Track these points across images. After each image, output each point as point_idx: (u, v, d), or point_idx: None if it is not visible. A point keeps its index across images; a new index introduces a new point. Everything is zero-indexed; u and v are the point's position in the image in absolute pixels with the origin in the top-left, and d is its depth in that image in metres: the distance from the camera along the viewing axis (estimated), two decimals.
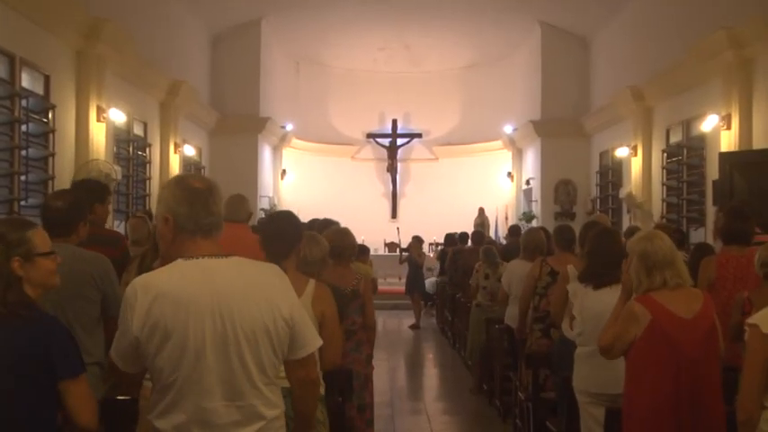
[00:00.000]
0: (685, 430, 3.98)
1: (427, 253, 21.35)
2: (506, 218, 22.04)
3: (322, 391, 4.21)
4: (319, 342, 2.97)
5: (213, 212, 2.83)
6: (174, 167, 15.02)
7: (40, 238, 3.22)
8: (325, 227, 6.59)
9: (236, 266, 2.83)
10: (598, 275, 5.04)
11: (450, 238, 15.51)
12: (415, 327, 15.92)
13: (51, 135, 10.20)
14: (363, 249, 9.67)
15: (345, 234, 5.99)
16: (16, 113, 9.30)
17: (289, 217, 4.51)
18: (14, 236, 3.13)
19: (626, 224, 14.69)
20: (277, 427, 2.83)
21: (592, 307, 4.94)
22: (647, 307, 4.05)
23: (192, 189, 2.84)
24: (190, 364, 2.68)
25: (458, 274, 12.75)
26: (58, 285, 3.41)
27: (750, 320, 3.46)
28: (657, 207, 14.12)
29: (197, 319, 2.68)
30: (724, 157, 10.67)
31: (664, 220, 13.10)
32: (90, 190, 5.61)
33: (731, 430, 3.83)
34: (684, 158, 13.25)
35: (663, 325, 4.00)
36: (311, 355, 2.95)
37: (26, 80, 9.69)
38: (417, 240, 16.98)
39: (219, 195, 2.89)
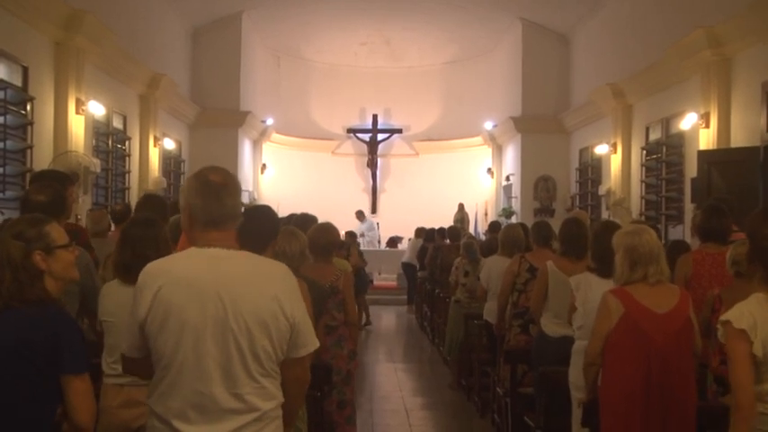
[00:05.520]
0: (654, 421, 4.06)
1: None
2: (486, 214, 22.10)
3: None
4: (317, 344, 3.02)
5: (226, 205, 2.90)
6: (154, 161, 14.96)
7: (57, 232, 3.27)
8: (303, 221, 6.56)
9: (244, 258, 2.91)
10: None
11: (422, 232, 15.43)
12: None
13: (29, 127, 10.12)
14: (343, 244, 9.63)
15: (328, 230, 5.97)
16: None
17: (266, 211, 4.48)
18: (33, 231, 3.18)
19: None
20: (272, 417, 2.86)
21: (596, 300, 4.91)
22: (620, 300, 4.14)
23: (207, 182, 2.93)
24: (189, 345, 2.74)
25: (437, 270, 12.77)
26: (77, 278, 3.49)
27: (722, 318, 3.40)
28: (636, 204, 14.20)
29: (199, 302, 2.75)
30: (702, 154, 10.76)
31: (642, 218, 13.19)
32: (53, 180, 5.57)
33: (702, 424, 3.90)
34: (663, 156, 13.33)
35: (635, 318, 4.09)
36: (309, 355, 3.00)
37: (4, 71, 9.61)
38: (351, 236, 15.86)
39: (236, 189, 2.98)
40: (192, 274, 2.79)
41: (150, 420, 2.83)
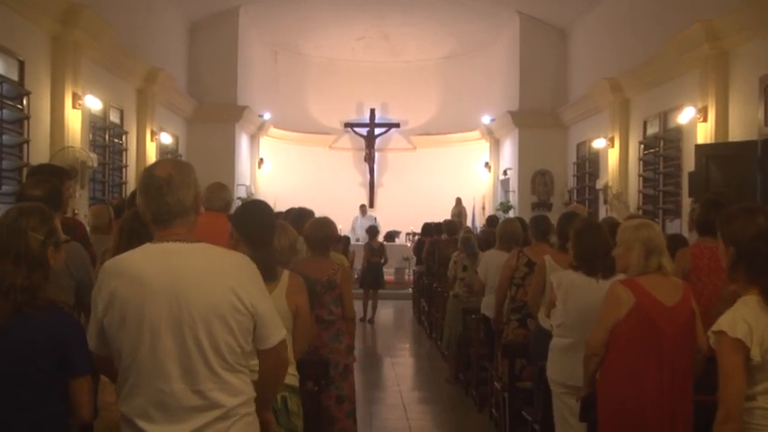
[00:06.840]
0: (665, 416, 4.02)
1: (404, 242, 21.47)
2: (483, 208, 22.10)
3: (296, 382, 4.20)
4: (284, 332, 2.97)
5: (167, 203, 2.79)
6: (151, 155, 14.92)
7: (59, 226, 3.22)
8: (300, 216, 6.54)
9: (199, 251, 2.82)
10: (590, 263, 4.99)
11: (427, 227, 15.45)
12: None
13: (26, 122, 10.10)
14: (340, 238, 9.60)
15: (325, 225, 5.94)
16: None
17: (262, 208, 4.49)
18: (47, 226, 3.11)
19: (602, 215, 14.76)
20: (241, 414, 2.80)
21: (577, 298, 4.92)
22: (631, 290, 4.10)
23: (150, 177, 2.83)
24: (147, 343, 2.69)
25: (435, 265, 12.77)
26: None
27: (714, 328, 3.24)
28: (634, 198, 14.20)
29: (153, 299, 2.69)
30: (700, 148, 10.75)
31: (640, 212, 13.18)
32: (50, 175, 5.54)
33: (708, 419, 3.88)
34: (661, 150, 13.33)
35: (646, 309, 4.05)
36: (281, 343, 2.94)
37: (0, 66, 9.57)
38: (372, 231, 16.28)
39: (183, 183, 2.83)
40: (146, 271, 2.73)
41: (121, 421, 2.80)
